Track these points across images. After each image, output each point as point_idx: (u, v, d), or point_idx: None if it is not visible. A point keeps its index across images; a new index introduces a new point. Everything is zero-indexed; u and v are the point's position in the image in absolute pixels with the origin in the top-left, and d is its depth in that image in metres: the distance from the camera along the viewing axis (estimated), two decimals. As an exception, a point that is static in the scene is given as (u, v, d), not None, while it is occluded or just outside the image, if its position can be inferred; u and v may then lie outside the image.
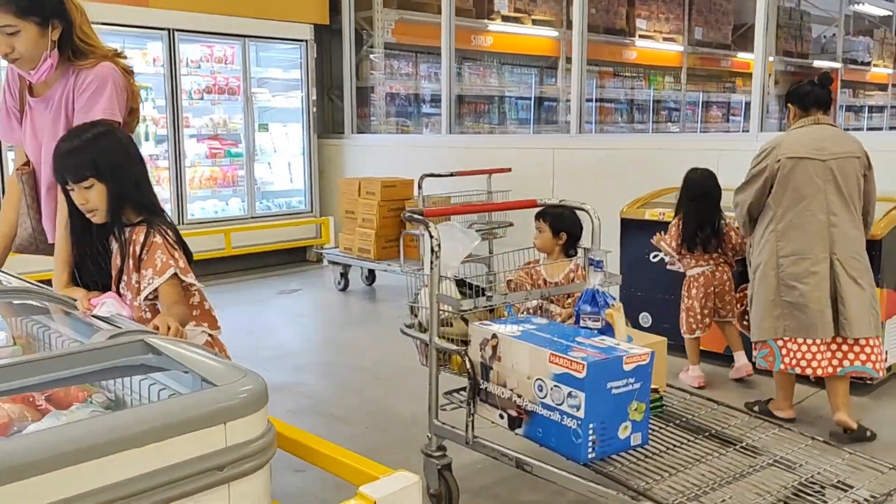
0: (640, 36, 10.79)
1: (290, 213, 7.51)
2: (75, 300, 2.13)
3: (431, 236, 2.54)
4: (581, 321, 2.59)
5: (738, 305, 3.99)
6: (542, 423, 2.25)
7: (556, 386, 2.19)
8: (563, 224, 3.01)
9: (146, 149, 6.60)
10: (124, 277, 2.10)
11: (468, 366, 2.45)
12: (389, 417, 3.60)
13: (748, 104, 13.80)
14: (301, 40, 7.32)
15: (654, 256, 4.41)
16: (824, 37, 14.00)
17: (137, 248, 2.05)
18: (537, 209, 3.10)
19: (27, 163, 2.37)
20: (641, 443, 2.27)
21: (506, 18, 9.14)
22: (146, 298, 2.05)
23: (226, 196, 7.22)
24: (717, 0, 11.80)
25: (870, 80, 14.63)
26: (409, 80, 8.70)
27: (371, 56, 8.07)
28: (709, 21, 11.92)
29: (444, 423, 2.65)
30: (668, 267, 4.26)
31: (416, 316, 2.89)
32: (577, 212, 3.02)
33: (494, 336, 2.38)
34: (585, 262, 2.91)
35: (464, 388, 2.73)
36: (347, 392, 3.99)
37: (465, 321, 2.69)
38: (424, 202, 5.43)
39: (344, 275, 6.35)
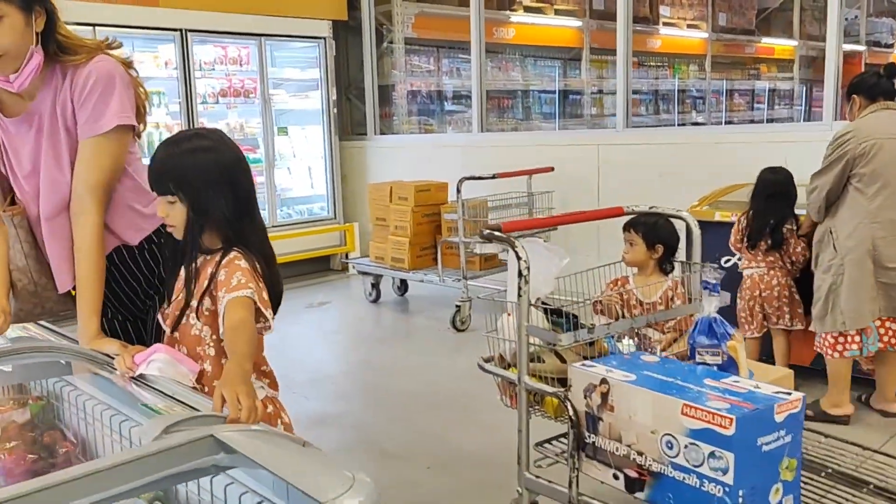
0: (664, 23, 10.39)
1: (312, 221, 7.14)
2: (110, 356, 1.76)
3: (519, 257, 2.16)
4: (697, 356, 2.21)
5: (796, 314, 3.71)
6: (672, 487, 1.87)
7: (692, 444, 1.81)
8: (658, 235, 2.63)
9: (160, 157, 6.24)
10: (192, 304, 1.75)
11: (570, 413, 2.07)
12: (453, 455, 3.22)
13: (772, 91, 13.33)
14: (319, 38, 6.94)
15: (727, 261, 4.02)
16: (846, 19, 13.55)
17: (211, 270, 1.72)
18: (624, 218, 2.71)
19: (12, 201, 1.94)
20: (793, 506, 1.89)
21: (528, 9, 8.74)
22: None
23: (244, 204, 6.84)
24: (741, -17, 11.39)
25: (894, 61, 14.15)
26: (430, 76, 8.30)
27: (391, 52, 7.68)
28: (732, 6, 11.50)
29: (538, 477, 2.27)
30: (740, 270, 3.92)
31: (492, 347, 2.51)
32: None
33: (604, 381, 2.00)
34: (689, 279, 2.53)
35: (559, 437, 2.36)
36: (399, 423, 3.61)
37: (560, 356, 2.31)
38: (464, 207, 5.04)
39: (375, 285, 5.97)
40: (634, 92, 10.58)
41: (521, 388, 2.23)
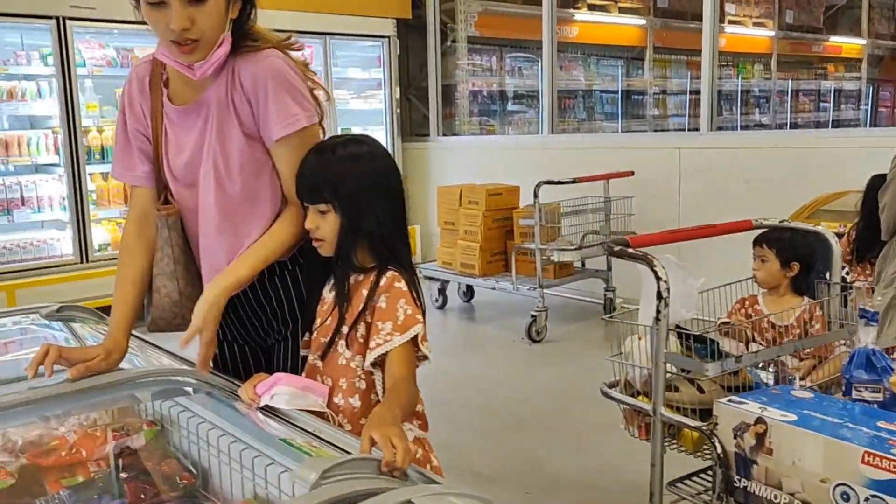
0: (729, 21, 10.06)
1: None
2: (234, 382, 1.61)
3: (659, 278, 1.97)
4: (854, 391, 1.99)
5: None
6: (848, 542, 1.67)
7: (874, 496, 1.60)
8: (795, 252, 2.41)
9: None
10: (343, 330, 1.58)
11: (718, 453, 1.88)
12: (551, 480, 3.04)
13: (837, 91, 12.86)
14: (384, 36, 6.80)
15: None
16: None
17: (366, 292, 1.56)
18: (752, 231, 2.50)
19: (167, 200, 1.74)
20: None
21: (592, 7, 8.51)
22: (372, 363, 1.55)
23: (306, 206, 6.73)
24: (810, -20, 11.01)
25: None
26: (491, 76, 8.12)
27: (454, 51, 7.51)
28: (800, 3, 11.11)
29: (671, 519, 2.08)
30: (848, 284, 3.67)
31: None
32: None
33: (761, 421, 1.80)
34: (828, 302, 2.31)
35: (692, 476, 2.17)
36: (486, 442, 3.44)
37: (697, 385, 2.11)
38: (542, 213, 4.85)
39: (442, 291, 5.81)
40: (694, 92, 10.29)
41: (657, 419, 2.04)
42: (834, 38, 11.63)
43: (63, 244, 5.43)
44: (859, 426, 1.72)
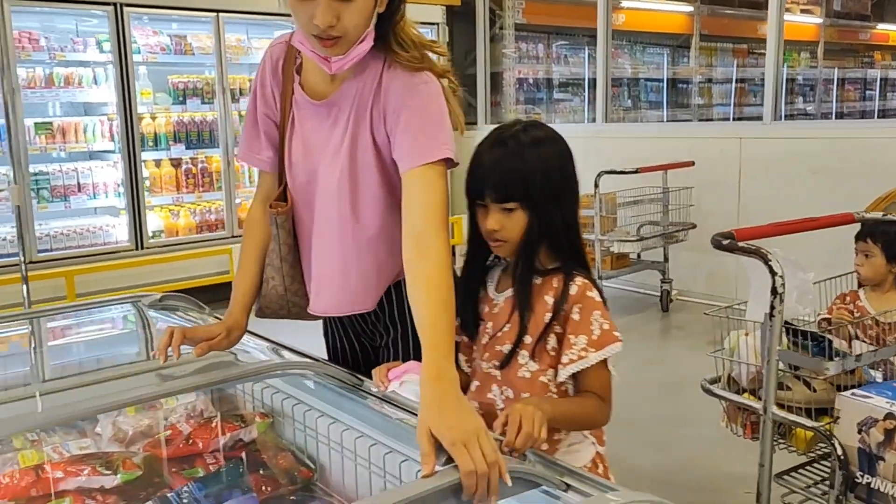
0: (777, 8, 9.86)
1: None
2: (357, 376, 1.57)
3: (774, 273, 1.91)
4: (977, 389, 1.93)
5: None
6: None
7: None
8: (898, 248, 2.35)
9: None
10: (527, 340, 1.44)
11: (838, 452, 1.82)
12: (628, 475, 2.98)
13: (884, 80, 12.54)
14: (433, 23, 6.74)
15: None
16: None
17: (553, 300, 1.42)
18: (854, 225, 2.43)
19: (282, 196, 1.67)
20: None
21: (636, -7, 8.40)
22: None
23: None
24: (859, -33, 10.78)
25: None
26: (538, 63, 8.03)
27: (501, 38, 7.43)
28: (847, -10, 10.88)
29: (782, 517, 2.03)
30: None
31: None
32: None
33: (892, 417, 1.74)
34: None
35: (799, 468, 2.12)
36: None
37: (807, 384, 2.05)
38: (602, 203, 4.79)
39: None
40: (740, 81, 10.13)
41: (768, 418, 1.98)
42: (881, 26, 11.39)
43: (118, 231, 5.46)
44: None
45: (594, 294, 1.42)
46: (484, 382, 1.51)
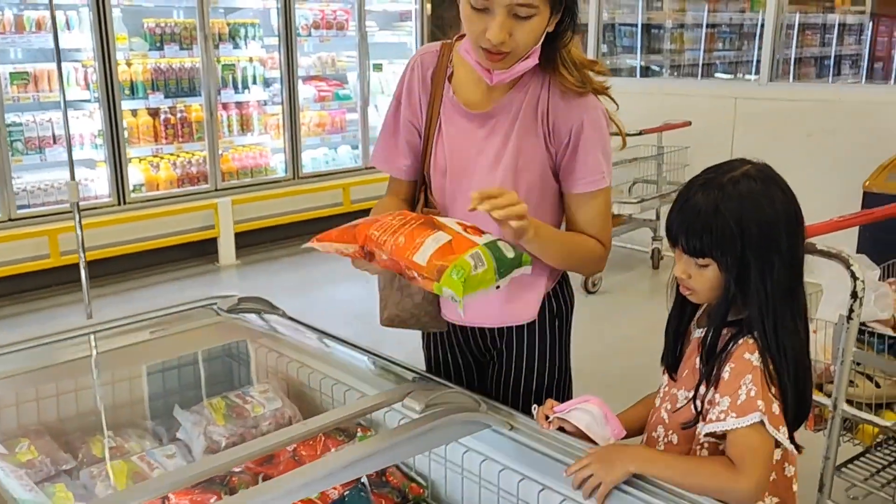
0: (747, -48, 9.84)
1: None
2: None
3: (856, 277, 1.95)
4: None
5: None
6: None
7: None
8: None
9: (254, 93, 5.94)
10: (700, 390, 1.38)
11: (912, 452, 1.91)
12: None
13: (842, 25, 12.71)
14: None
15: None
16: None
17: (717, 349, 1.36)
18: None
19: (425, 201, 1.65)
20: None
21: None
22: (707, 435, 1.35)
23: (335, 143, 6.57)
24: None
25: None
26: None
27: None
28: (813, -67, 10.89)
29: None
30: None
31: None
32: None
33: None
34: None
35: (855, 459, 2.21)
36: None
37: (869, 377, 2.13)
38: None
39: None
40: (711, 26, 10.13)
41: (837, 414, 2.06)
42: (844, -29, 11.47)
43: (98, 185, 5.23)
44: None
45: (752, 357, 1.31)
46: (655, 419, 1.49)
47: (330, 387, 1.83)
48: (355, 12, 6.29)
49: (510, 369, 1.73)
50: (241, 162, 5.93)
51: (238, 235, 5.63)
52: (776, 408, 1.30)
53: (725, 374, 1.33)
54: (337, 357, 1.84)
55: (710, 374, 1.34)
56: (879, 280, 2.39)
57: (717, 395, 1.32)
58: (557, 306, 1.73)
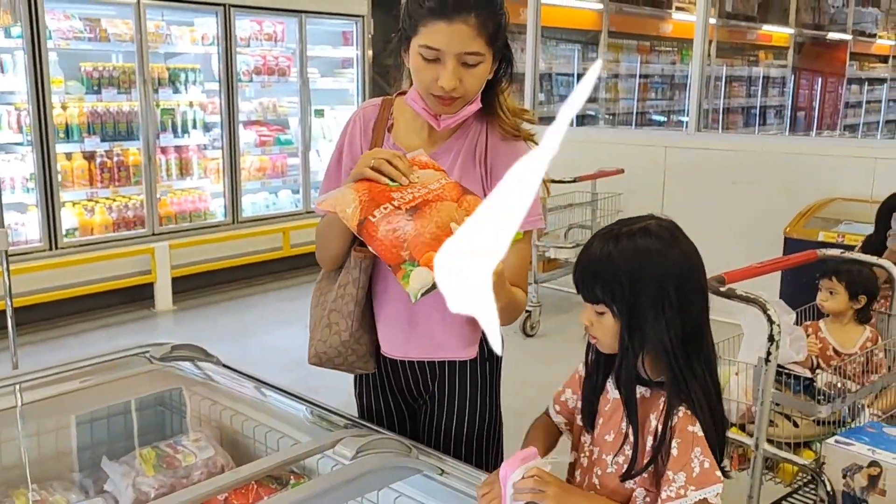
0: (677, 7, 10.32)
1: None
2: None
3: (772, 321, 2.05)
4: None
5: None
6: (967, 578, 1.82)
7: None
8: (863, 286, 2.54)
9: (194, 138, 5.93)
10: (606, 455, 1.41)
11: (828, 491, 1.99)
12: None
13: (766, 78, 13.29)
14: (357, 16, 6.64)
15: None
16: (833, 7, 13.72)
17: (655, 425, 1.35)
18: (818, 261, 2.62)
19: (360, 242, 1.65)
20: None
21: (552, -11, 8.54)
22: None
23: (276, 188, 6.57)
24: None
25: (874, 52, 14.43)
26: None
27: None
28: (737, -8, 11.49)
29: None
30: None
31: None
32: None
33: (875, 465, 1.92)
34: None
35: (784, 499, 2.29)
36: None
37: (787, 417, 2.22)
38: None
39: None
40: (644, 76, 10.53)
41: (759, 454, 2.14)
42: (767, 27, 12.11)
43: (29, 229, 5.11)
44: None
45: (696, 428, 1.32)
46: (588, 483, 1.47)
47: (264, 434, 1.82)
48: (297, 59, 6.36)
49: (442, 413, 1.77)
50: (179, 206, 5.87)
51: (175, 280, 5.55)
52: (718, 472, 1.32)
53: (674, 451, 1.32)
54: (271, 405, 1.85)
55: (658, 449, 1.34)
56: (796, 324, 2.52)
57: (670, 473, 1.31)
58: (489, 349, 1.76)
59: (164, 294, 5.48)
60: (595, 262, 1.36)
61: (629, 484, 1.37)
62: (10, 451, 1.89)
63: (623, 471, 1.38)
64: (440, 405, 1.77)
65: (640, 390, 1.39)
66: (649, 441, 1.35)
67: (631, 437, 1.37)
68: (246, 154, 6.26)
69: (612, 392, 1.45)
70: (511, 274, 1.60)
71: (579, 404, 1.52)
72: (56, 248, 5.12)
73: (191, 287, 5.74)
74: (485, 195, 1.62)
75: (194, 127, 5.94)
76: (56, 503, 1.82)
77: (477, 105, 1.60)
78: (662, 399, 1.36)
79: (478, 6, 1.50)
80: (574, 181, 4.91)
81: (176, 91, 5.81)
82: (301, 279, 6.13)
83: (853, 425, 2.20)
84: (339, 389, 2.11)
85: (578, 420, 1.52)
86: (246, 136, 6.27)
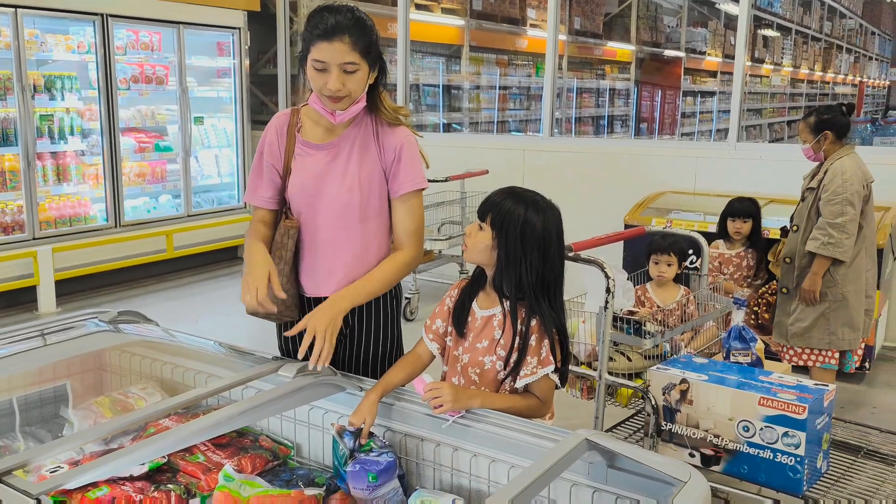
0: (531, 25, 11.15)
1: (223, 210, 7.10)
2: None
3: (608, 276, 2.62)
4: (731, 356, 2.79)
5: None
6: (748, 460, 2.43)
7: (767, 427, 2.37)
8: (684, 256, 3.20)
9: (72, 144, 6.00)
10: (500, 352, 1.95)
11: (652, 405, 2.57)
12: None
13: (613, 90, 14.40)
14: (234, 28, 6.90)
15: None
16: (669, 26, 15.15)
17: (520, 327, 1.92)
18: (648, 237, 3.24)
19: (287, 216, 2.18)
20: (826, 469, 2.52)
21: (418, 7, 9.09)
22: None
23: (156, 193, 6.71)
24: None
25: (705, 67, 16.01)
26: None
27: (296, 43, 7.74)
28: (585, 11, 12.51)
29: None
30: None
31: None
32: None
33: (684, 381, 2.52)
34: (698, 287, 3.11)
35: (623, 423, 2.86)
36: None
37: (625, 356, 2.80)
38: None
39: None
40: (503, 88, 11.31)
41: (602, 383, 2.70)
42: (611, 44, 13.23)
43: None
44: (750, 380, 2.49)
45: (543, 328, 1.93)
46: (453, 369, 2.03)
47: (204, 380, 2.18)
48: (175, 68, 6.54)
49: (360, 343, 2.24)
50: (58, 211, 5.93)
51: (59, 283, 5.62)
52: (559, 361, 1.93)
53: (532, 342, 1.92)
54: (208, 354, 2.21)
55: (524, 346, 1.92)
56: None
57: (528, 357, 1.91)
58: (395, 289, 2.29)
59: (47, 297, 5.54)
60: (500, 199, 1.94)
61: (502, 375, 1.92)
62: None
63: (498, 366, 1.94)
64: (359, 336, 2.22)
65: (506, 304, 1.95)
66: (517, 343, 1.92)
67: (503, 342, 1.92)
68: (125, 160, 6.38)
69: (479, 312, 2.02)
70: (404, 231, 2.16)
71: (449, 328, 2.08)
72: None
73: (74, 290, 5.82)
74: (381, 166, 2.15)
75: (72, 133, 6.01)
76: (17, 449, 2.09)
77: (363, 103, 2.10)
78: (524, 310, 1.93)
79: (349, 29, 1.97)
80: (446, 180, 5.44)
81: (52, 98, 5.87)
82: (185, 280, 6.33)
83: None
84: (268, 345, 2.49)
85: (449, 341, 2.08)
86: (125, 143, 6.38)
